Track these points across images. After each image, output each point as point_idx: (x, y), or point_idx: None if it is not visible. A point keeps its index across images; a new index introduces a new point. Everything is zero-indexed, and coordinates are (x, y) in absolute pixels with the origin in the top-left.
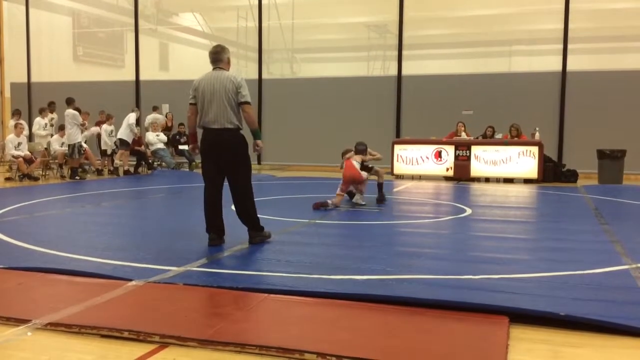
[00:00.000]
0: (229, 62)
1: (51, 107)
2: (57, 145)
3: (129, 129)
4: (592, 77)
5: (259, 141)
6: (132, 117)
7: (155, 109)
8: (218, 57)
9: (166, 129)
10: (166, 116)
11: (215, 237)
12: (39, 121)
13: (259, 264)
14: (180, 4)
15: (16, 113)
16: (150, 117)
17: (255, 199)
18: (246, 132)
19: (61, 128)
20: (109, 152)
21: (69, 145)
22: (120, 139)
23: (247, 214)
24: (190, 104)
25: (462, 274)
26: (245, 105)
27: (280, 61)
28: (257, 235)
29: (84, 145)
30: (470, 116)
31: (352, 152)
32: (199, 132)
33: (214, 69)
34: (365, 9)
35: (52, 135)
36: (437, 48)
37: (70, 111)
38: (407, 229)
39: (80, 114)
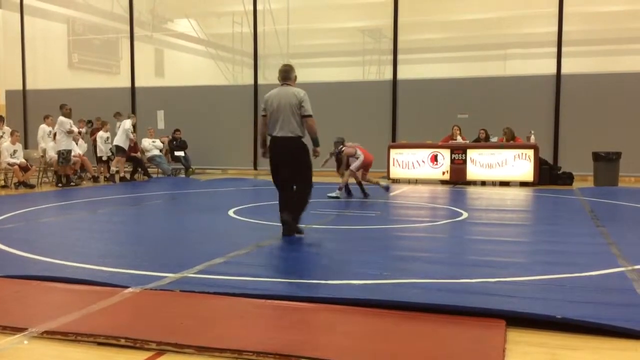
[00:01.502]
0: (295, 79)
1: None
2: (53, 152)
3: (124, 135)
4: (587, 79)
5: (317, 148)
6: (127, 124)
7: (118, 115)
8: (287, 75)
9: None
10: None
11: (285, 225)
12: (44, 128)
13: (255, 269)
14: (175, 10)
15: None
16: (128, 122)
17: (254, 204)
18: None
19: (55, 136)
20: (104, 158)
21: (58, 152)
22: (116, 146)
23: (298, 209)
24: (262, 115)
25: (458, 277)
26: (308, 118)
27: (276, 66)
28: (293, 230)
29: (78, 151)
30: (466, 120)
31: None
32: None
33: (282, 84)
34: (360, 13)
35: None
36: (432, 52)
37: (60, 118)
38: (404, 233)
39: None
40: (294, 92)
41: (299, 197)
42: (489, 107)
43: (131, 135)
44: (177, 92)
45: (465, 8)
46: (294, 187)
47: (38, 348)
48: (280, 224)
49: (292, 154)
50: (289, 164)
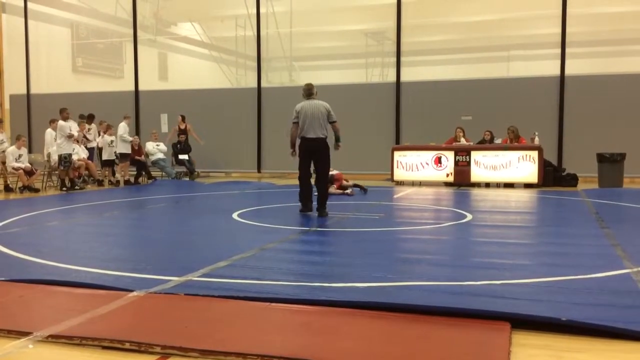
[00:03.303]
0: (316, 94)
1: (90, 119)
2: (56, 156)
3: (120, 141)
4: (591, 80)
5: (340, 143)
6: (120, 129)
7: (90, 117)
8: (311, 91)
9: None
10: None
11: (306, 209)
12: (50, 132)
13: (259, 272)
14: (179, 14)
15: None
16: (121, 127)
17: (258, 207)
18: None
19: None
20: (104, 157)
21: (58, 156)
22: (120, 153)
23: (324, 193)
24: (294, 122)
25: (463, 280)
26: (335, 123)
27: (279, 69)
28: (325, 210)
29: (82, 155)
30: (470, 122)
31: None
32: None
33: (308, 98)
34: (363, 16)
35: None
36: (435, 54)
37: (59, 122)
38: (408, 236)
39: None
40: (322, 104)
41: (322, 192)
42: (492, 109)
43: (128, 138)
44: (181, 96)
45: (468, 10)
46: (319, 176)
47: (43, 352)
48: (302, 211)
49: (320, 151)
50: (316, 158)
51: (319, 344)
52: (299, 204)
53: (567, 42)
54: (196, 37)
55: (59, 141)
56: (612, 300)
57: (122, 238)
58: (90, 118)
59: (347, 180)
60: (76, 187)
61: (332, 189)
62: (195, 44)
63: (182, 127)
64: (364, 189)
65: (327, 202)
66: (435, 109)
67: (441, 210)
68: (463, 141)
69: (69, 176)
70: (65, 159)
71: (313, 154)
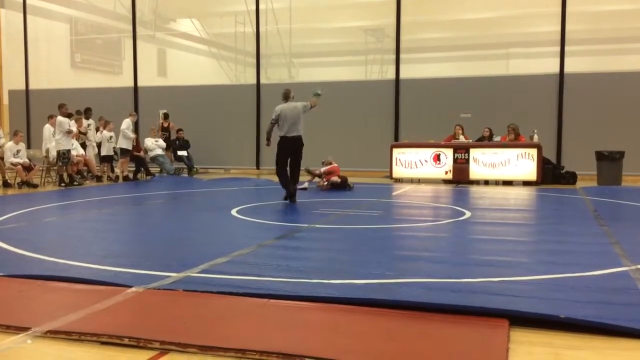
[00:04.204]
0: (293, 97)
1: (87, 113)
2: (55, 152)
3: (121, 135)
4: (590, 78)
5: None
6: (123, 124)
7: (86, 111)
8: (289, 95)
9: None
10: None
11: (291, 196)
12: (49, 128)
13: (258, 269)
14: (178, 10)
15: None
16: (124, 122)
17: (257, 204)
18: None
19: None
20: (103, 153)
21: (57, 152)
22: (120, 148)
23: (297, 177)
24: (272, 123)
25: (461, 277)
26: (311, 102)
27: (278, 66)
28: (295, 193)
29: (80, 151)
30: (469, 119)
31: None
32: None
33: (286, 101)
34: (362, 13)
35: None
36: (435, 51)
37: (58, 118)
38: (407, 233)
39: (74, 120)
40: (297, 105)
41: (297, 173)
42: (491, 107)
43: (130, 134)
44: (180, 92)
45: (468, 7)
46: (294, 168)
47: (41, 347)
48: (287, 198)
49: (297, 147)
50: (293, 153)
51: (318, 340)
52: (284, 193)
53: (566, 40)
54: (195, 34)
55: (58, 137)
56: (611, 297)
57: (120, 234)
58: (86, 112)
59: (339, 177)
60: (75, 183)
61: (322, 183)
62: (195, 40)
63: (165, 125)
64: (349, 186)
65: (327, 200)
66: (435, 106)
67: (440, 207)
68: (462, 139)
69: (67, 172)
70: (63, 155)
71: (293, 151)
